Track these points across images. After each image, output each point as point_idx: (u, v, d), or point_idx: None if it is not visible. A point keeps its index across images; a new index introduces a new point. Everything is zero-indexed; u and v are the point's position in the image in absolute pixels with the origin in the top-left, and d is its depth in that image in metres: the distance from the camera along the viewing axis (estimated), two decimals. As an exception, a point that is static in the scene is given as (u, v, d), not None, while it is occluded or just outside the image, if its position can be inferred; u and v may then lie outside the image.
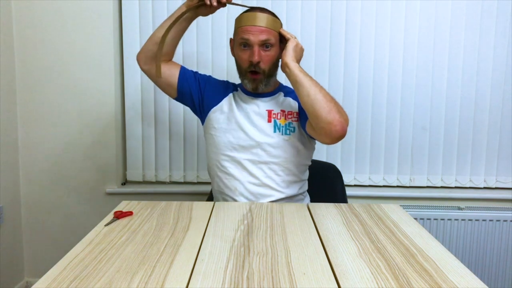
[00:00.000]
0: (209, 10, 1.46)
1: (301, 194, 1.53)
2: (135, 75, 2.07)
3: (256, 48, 1.39)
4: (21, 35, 2.02)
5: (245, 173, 1.46)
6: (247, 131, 1.46)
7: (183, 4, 1.47)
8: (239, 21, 1.44)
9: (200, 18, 2.01)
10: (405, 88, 2.07)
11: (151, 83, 2.06)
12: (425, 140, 2.10)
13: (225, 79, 1.63)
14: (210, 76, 1.61)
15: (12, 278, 2.08)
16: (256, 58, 1.39)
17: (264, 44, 1.40)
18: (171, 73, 1.52)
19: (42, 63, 2.03)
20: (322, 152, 2.10)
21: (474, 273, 0.88)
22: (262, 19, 1.40)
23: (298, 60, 1.41)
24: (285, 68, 1.38)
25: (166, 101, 2.08)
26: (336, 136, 1.29)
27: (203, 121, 1.57)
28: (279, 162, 1.45)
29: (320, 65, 2.05)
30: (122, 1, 2.03)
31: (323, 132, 1.31)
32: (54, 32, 2.01)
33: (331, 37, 2.05)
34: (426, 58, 2.05)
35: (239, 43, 1.43)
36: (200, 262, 0.93)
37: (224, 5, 1.43)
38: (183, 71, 1.55)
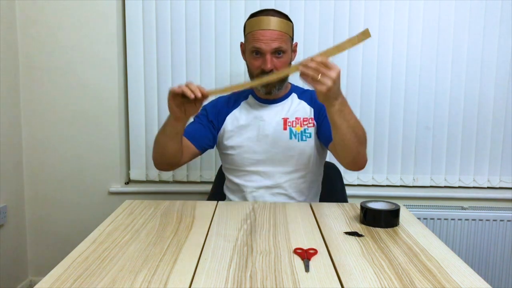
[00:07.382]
0: (195, 106, 1.26)
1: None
2: (138, 75, 2.07)
3: (268, 56, 1.36)
4: (24, 34, 2.02)
5: None
6: None
7: (172, 119, 1.30)
8: (249, 25, 1.40)
9: (204, 19, 2.04)
10: (409, 88, 2.06)
11: (155, 83, 2.07)
12: (428, 139, 2.09)
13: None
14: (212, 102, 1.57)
15: (16, 277, 2.09)
16: (269, 67, 1.36)
17: (277, 51, 1.37)
18: (189, 151, 1.47)
19: (46, 62, 2.04)
20: (325, 152, 2.09)
21: (478, 273, 0.88)
22: (273, 23, 1.35)
23: (337, 94, 1.14)
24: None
25: (169, 100, 2.08)
26: (356, 170, 1.36)
27: None
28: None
29: (323, 65, 2.05)
30: (126, 1, 2.03)
31: (344, 163, 1.35)
32: (58, 31, 2.02)
33: (334, 37, 2.04)
34: (429, 57, 2.04)
35: (250, 51, 1.40)
36: (203, 261, 0.93)
37: (206, 96, 1.25)
38: (195, 136, 1.48)
